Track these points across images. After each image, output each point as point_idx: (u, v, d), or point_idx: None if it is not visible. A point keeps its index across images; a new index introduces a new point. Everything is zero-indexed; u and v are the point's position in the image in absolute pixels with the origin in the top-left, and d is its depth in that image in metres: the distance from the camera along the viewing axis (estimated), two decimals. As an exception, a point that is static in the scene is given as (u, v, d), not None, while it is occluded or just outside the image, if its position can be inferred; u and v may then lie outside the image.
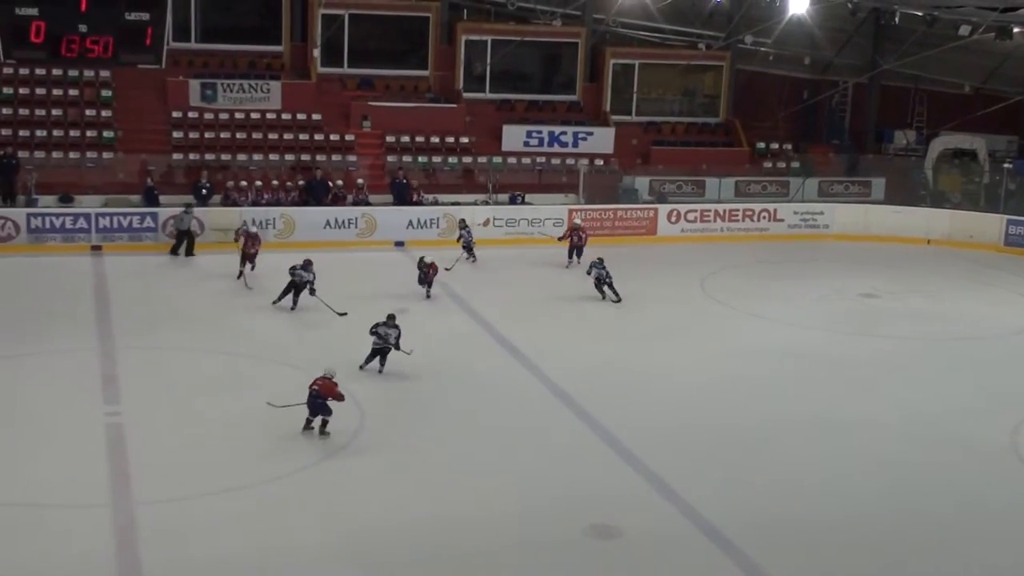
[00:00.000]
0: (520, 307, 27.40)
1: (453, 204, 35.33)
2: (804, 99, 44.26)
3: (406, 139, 37.94)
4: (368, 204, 34.41)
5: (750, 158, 41.16)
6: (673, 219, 36.61)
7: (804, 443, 19.67)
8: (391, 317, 21.83)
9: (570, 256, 31.74)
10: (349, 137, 37.21)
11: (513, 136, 38.82)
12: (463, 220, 32.40)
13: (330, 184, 34.96)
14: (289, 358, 22.43)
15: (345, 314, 24.96)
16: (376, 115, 38.07)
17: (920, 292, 30.94)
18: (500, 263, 31.72)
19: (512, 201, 36.45)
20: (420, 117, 38.32)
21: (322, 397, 18.51)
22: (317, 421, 18.71)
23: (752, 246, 36.09)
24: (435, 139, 38.14)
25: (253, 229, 29.10)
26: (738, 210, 37.41)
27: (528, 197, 36.84)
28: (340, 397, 18.62)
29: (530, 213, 35.16)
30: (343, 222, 33.30)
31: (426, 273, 27.37)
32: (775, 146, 41.79)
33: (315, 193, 34.45)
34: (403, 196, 35.17)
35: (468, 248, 31.25)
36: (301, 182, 34.93)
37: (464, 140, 38.32)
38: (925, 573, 15.53)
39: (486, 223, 34.15)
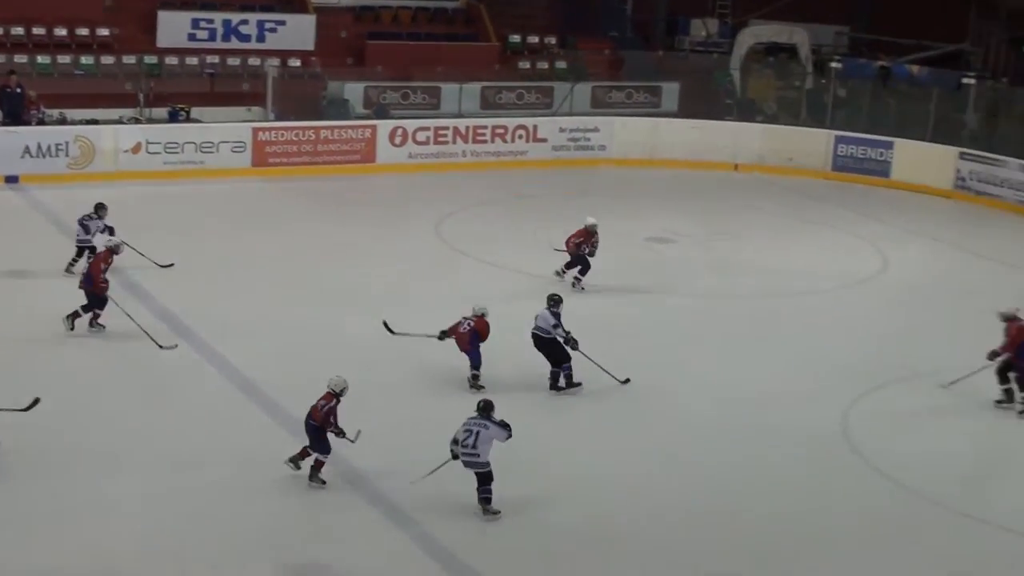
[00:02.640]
0: (199, 263, 26.78)
1: (88, 123, 34.30)
2: (572, -23, 44.70)
3: (18, 31, 36.85)
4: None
5: (501, 57, 41.23)
6: (398, 141, 36.43)
7: (578, 435, 19.84)
8: None
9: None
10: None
11: (172, 27, 38.16)
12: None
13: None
14: None
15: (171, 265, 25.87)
16: (-31, -3, 36.79)
17: (727, 234, 31.48)
18: (165, 202, 31.04)
19: (172, 118, 35.78)
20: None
21: (313, 420, 17.80)
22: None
23: (505, 175, 36.24)
24: (60, 31, 37.15)
25: None
26: (485, 127, 37.47)
27: (196, 112, 36.21)
28: (328, 424, 17.71)
29: (199, 135, 34.41)
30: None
31: None
32: (533, 40, 41.88)
33: None
34: (15, 111, 33.90)
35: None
36: None
37: (103, 32, 37.48)
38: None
39: (136, 149, 33.30)
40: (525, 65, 41.22)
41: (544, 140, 38.01)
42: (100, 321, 22.72)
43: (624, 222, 31.72)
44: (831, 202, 35.45)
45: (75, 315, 22.63)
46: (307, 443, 17.89)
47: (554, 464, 18.75)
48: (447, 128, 37.18)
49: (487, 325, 21.28)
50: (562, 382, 21.31)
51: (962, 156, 36.88)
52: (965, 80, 39.26)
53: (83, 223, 25.33)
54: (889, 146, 37.81)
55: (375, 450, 18.08)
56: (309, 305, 24.88)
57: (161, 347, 22.22)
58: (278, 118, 36.63)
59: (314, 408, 17.76)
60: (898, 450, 20.22)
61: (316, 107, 37.64)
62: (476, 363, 21.21)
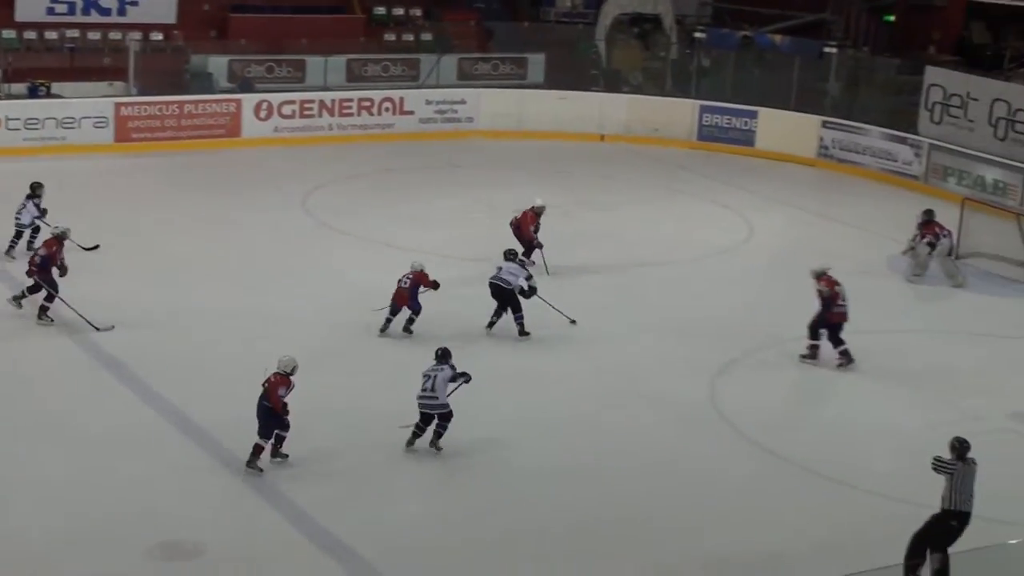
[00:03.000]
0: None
1: (-61, 101, 33.78)
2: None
3: None
4: None
5: (366, 29, 41.04)
6: (263, 115, 36.20)
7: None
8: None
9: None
10: None
11: (31, 0, 37.39)
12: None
13: None
14: None
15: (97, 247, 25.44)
16: None
17: (593, 204, 31.66)
18: (26, 179, 30.43)
19: (32, 94, 35.17)
20: None
21: (268, 402, 17.72)
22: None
23: (372, 148, 36.13)
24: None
25: None
26: (351, 100, 37.33)
27: (56, 87, 35.65)
28: (279, 406, 17.68)
29: (60, 110, 33.94)
30: None
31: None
32: (399, 12, 41.71)
33: None
34: None
35: None
36: None
37: (-46, 6, 36.71)
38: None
39: (-6, 125, 32.89)
40: (391, 37, 41.02)
41: (411, 113, 37.91)
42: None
43: (492, 193, 31.81)
44: (697, 172, 35.75)
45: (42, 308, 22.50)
46: (257, 439, 17.68)
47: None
48: (313, 101, 36.95)
49: (426, 276, 22.44)
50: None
51: (825, 125, 37.40)
52: (827, 49, 39.73)
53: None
54: (753, 115, 38.22)
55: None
56: (172, 282, 24.68)
57: (98, 329, 22.10)
58: (141, 93, 36.06)
59: (271, 392, 17.66)
60: (765, 416, 20.56)
61: (180, 81, 37.14)
62: (416, 310, 22.47)
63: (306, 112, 36.77)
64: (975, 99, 35.01)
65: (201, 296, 23.92)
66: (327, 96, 37.27)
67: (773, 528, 17.21)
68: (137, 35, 37.67)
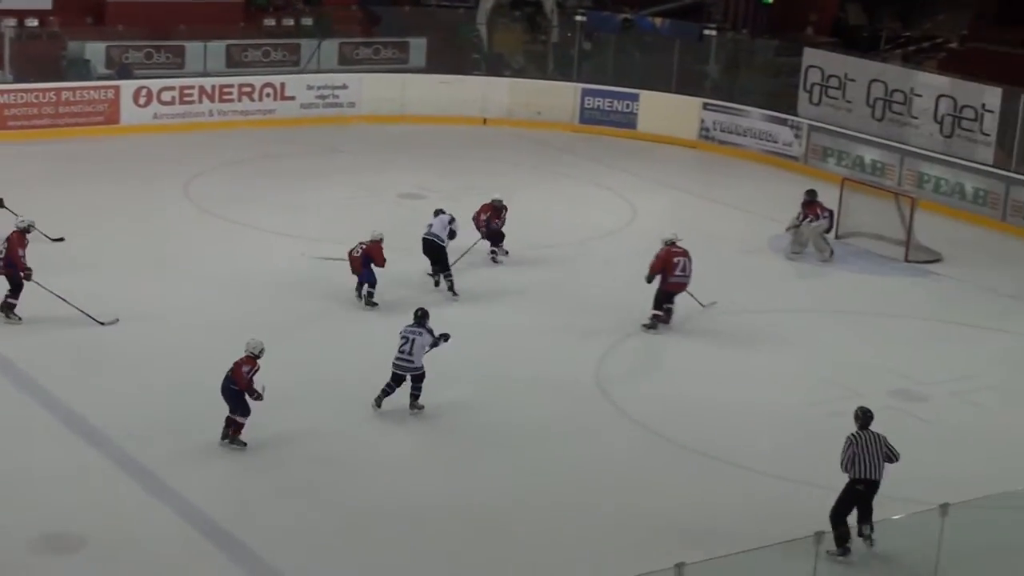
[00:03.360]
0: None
1: None
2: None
3: None
4: None
5: (245, 14, 40.74)
6: (142, 101, 35.84)
7: (332, 404, 19.90)
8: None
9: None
10: None
11: None
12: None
13: None
14: None
15: (62, 239, 25.50)
16: None
17: (478, 189, 31.61)
18: None
19: None
20: None
21: (235, 384, 18.00)
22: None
23: (254, 134, 35.89)
24: None
25: None
26: (232, 86, 37.06)
27: (-75, 78, 35.09)
28: (250, 390, 17.97)
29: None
30: None
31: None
32: (279, -3, 41.52)
33: None
34: None
35: None
36: None
37: None
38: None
39: None
40: (271, 22, 40.70)
41: (292, 98, 37.71)
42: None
43: (376, 178, 31.82)
44: (580, 154, 35.91)
45: (6, 305, 22.13)
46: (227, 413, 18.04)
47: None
48: (193, 87, 36.62)
49: (380, 250, 23.33)
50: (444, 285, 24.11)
51: (706, 107, 37.73)
52: (707, 32, 40.02)
53: None
54: (635, 98, 38.45)
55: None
56: (56, 272, 24.36)
57: (102, 324, 22.01)
58: (16, 80, 35.54)
59: (237, 374, 17.91)
60: (649, 396, 20.80)
61: (56, 68, 36.60)
62: (371, 281, 23.41)
63: (186, 98, 36.43)
64: (852, 80, 35.50)
65: (84, 286, 23.61)
66: (207, 82, 36.92)
67: (654, 503, 17.44)
68: (12, 21, 37.00)
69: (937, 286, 27.33)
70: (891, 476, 16.15)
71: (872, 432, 16.19)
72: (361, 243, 23.44)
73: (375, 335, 21.60)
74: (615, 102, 38.64)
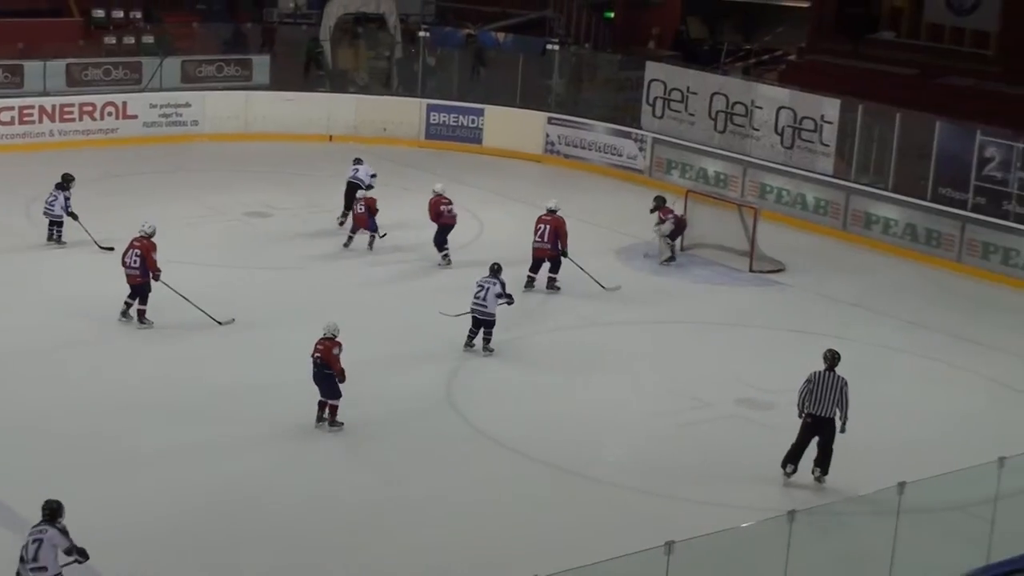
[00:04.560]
0: None
1: None
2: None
3: None
4: None
5: (85, 32, 40.33)
6: (-19, 122, 35.31)
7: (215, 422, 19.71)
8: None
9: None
10: None
11: None
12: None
13: None
14: None
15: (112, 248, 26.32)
16: None
17: (322, 208, 31.59)
18: None
19: None
20: None
21: (327, 368, 19.13)
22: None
23: (96, 153, 35.40)
24: None
25: None
26: (73, 105, 36.66)
27: None
28: (339, 371, 19.17)
29: None
30: None
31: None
32: (119, 15, 41.05)
33: None
34: None
35: None
36: None
37: None
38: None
39: None
40: (111, 40, 40.28)
41: (135, 117, 37.35)
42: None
43: (221, 197, 31.63)
44: (426, 170, 35.87)
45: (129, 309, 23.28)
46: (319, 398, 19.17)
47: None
48: (32, 107, 36.16)
49: (374, 201, 28.02)
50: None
51: (550, 121, 38.05)
52: (549, 46, 40.39)
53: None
54: (480, 113, 38.66)
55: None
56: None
57: (220, 323, 23.22)
58: None
59: (327, 357, 18.91)
60: (502, 412, 20.89)
61: None
62: (374, 228, 27.97)
63: (25, 118, 35.94)
64: (694, 93, 35.97)
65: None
66: (47, 101, 36.48)
67: (507, 517, 17.61)
68: None
69: (780, 295, 27.82)
70: (737, 481, 16.36)
71: (835, 375, 18.07)
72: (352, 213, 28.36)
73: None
74: (461, 117, 38.82)
